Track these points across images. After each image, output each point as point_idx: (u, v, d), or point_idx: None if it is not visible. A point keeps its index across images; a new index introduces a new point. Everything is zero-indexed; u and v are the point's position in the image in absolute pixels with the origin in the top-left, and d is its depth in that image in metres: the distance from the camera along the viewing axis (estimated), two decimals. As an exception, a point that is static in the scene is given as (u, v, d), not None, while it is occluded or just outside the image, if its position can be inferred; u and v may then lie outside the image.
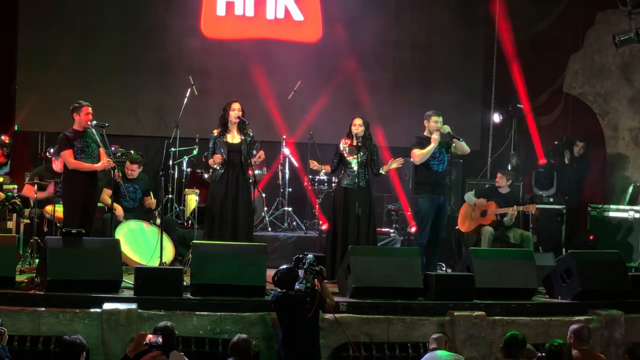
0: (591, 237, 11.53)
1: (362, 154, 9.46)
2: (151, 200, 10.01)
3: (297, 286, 7.15)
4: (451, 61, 13.06)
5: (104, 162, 8.93)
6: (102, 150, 8.98)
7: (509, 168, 12.61)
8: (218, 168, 9.20)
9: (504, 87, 13.34)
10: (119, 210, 9.59)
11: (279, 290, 7.39)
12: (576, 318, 8.35)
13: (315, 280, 7.20)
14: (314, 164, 9.64)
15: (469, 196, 10.58)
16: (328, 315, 7.68)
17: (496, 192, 10.54)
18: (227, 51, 12.52)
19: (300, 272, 7.21)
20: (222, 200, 9.18)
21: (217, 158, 9.13)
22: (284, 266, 7.48)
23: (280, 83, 12.28)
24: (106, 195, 9.59)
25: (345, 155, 9.53)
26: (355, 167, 9.42)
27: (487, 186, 11.00)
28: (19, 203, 9.48)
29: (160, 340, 6.01)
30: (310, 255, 7.30)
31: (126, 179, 9.86)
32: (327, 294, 7.49)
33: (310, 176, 11.41)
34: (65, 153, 8.81)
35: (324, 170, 9.78)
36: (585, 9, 12.79)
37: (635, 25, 9.87)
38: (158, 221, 9.53)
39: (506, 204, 10.33)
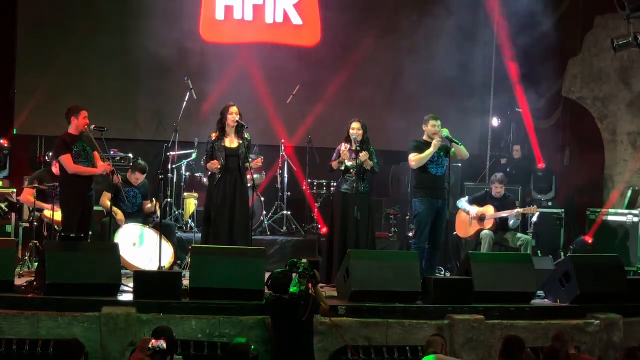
0: (589, 240, 11.51)
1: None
2: (152, 204, 10.00)
3: (291, 290, 7.15)
4: (450, 65, 13.05)
5: (104, 166, 8.92)
6: (96, 154, 8.97)
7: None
8: (216, 173, 9.20)
9: (502, 91, 13.34)
10: (119, 215, 9.58)
11: (272, 294, 7.40)
12: (575, 322, 8.37)
13: (309, 284, 7.20)
14: (345, 154, 9.43)
15: (464, 205, 10.49)
16: (326, 319, 7.69)
17: (491, 196, 10.50)
18: (226, 55, 12.51)
19: (295, 277, 7.21)
20: (220, 204, 9.18)
21: (214, 164, 9.12)
22: (278, 270, 7.49)
23: (279, 87, 12.28)
24: (106, 199, 9.59)
25: (345, 159, 9.50)
26: (354, 171, 9.39)
27: (479, 192, 10.85)
28: (4, 208, 9.49)
29: (164, 345, 6.00)
30: (304, 260, 7.30)
31: (128, 183, 9.86)
32: (321, 298, 7.51)
33: (309, 180, 11.40)
34: (63, 158, 8.76)
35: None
36: (584, 13, 12.79)
37: (633, 29, 9.86)
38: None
39: (503, 206, 10.32)
